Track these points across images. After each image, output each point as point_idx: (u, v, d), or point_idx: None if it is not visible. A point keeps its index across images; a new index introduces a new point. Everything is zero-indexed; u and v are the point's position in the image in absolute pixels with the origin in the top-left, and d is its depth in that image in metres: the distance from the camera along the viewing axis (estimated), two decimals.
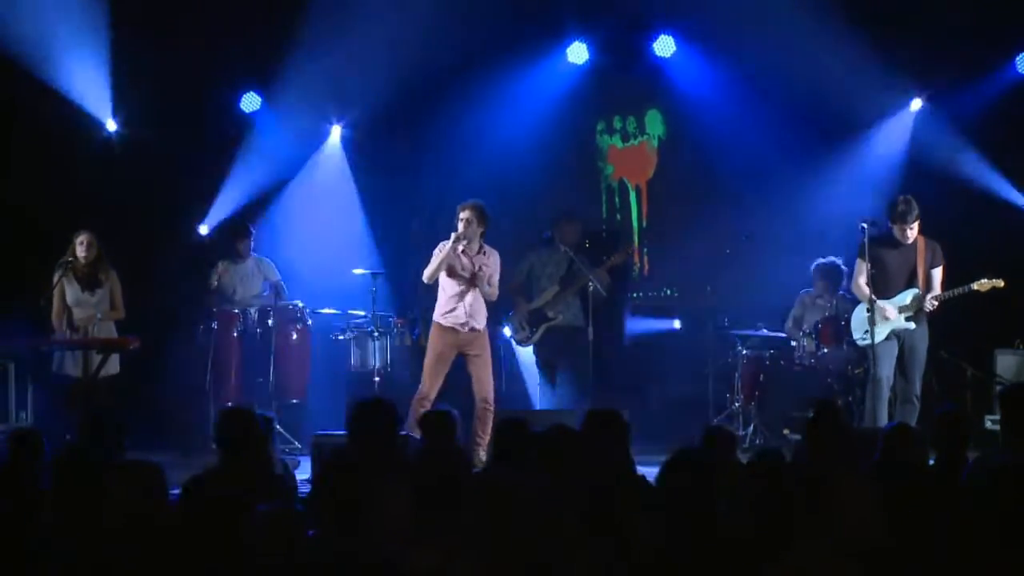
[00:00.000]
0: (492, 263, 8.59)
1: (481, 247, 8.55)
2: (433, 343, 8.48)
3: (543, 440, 4.78)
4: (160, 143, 10.69)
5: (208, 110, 10.97)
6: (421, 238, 9.19)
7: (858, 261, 8.36)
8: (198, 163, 10.88)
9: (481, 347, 8.49)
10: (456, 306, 8.43)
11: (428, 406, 8.11)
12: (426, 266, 8.53)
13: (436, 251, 8.49)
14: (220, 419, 5.26)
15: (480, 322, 8.50)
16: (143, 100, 10.71)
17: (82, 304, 8.77)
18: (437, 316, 8.50)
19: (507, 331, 9.74)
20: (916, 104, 10.51)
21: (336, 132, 11.52)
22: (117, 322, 9.01)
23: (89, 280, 8.80)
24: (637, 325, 11.17)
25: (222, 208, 11.05)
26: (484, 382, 8.42)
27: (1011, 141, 10.08)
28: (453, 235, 8.38)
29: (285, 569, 3.80)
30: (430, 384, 8.35)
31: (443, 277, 8.48)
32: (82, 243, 8.75)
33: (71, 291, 8.79)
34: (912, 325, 8.21)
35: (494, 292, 8.61)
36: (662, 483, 3.87)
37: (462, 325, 8.42)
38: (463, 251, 8.45)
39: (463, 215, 8.43)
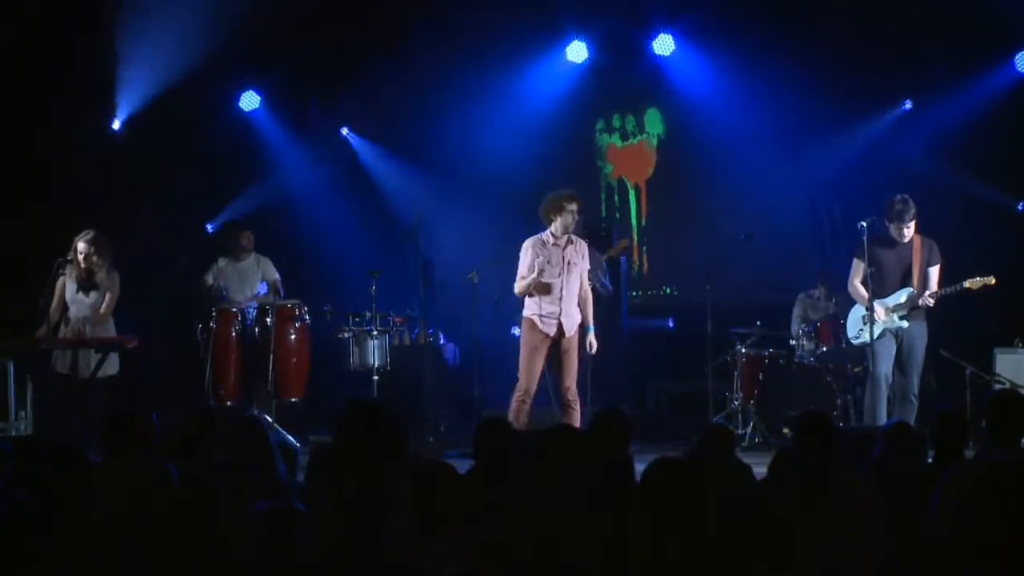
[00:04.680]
0: (580, 253, 8.07)
1: (570, 238, 8.07)
2: (525, 338, 8.07)
3: (540, 440, 4.76)
4: (161, 141, 10.70)
5: (208, 108, 10.98)
6: (420, 236, 9.10)
7: (855, 261, 8.32)
8: (198, 161, 10.88)
9: (571, 344, 8.06)
10: (547, 306, 8.00)
11: (529, 401, 7.94)
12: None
13: (523, 252, 8.04)
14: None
15: (573, 322, 8.06)
16: (145, 98, 10.73)
17: (77, 303, 8.72)
18: (528, 312, 8.07)
19: (516, 331, 9.67)
20: (909, 104, 10.57)
21: (337, 131, 11.55)
22: (117, 320, 8.99)
23: (86, 280, 8.73)
24: (636, 323, 11.17)
25: (224, 206, 11.07)
26: (568, 374, 8.02)
27: (1007, 141, 10.09)
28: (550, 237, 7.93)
29: (285, 567, 3.81)
30: (528, 379, 7.96)
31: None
32: (83, 243, 8.68)
33: (69, 288, 8.76)
34: (905, 323, 8.19)
35: (586, 291, 8.13)
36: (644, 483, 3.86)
37: (554, 325, 7.99)
38: (554, 244, 8.01)
39: (572, 207, 7.93)
